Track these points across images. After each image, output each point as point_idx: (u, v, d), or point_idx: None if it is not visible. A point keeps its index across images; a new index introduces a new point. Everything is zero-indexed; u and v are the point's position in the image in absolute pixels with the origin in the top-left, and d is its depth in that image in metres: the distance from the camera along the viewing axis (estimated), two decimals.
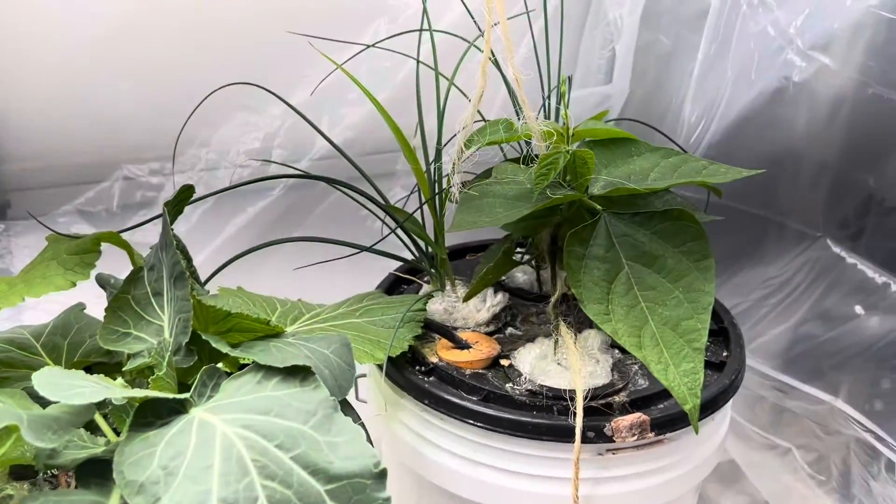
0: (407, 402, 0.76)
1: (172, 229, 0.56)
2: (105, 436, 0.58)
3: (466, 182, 0.79)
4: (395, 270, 0.94)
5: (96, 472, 0.49)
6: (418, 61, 0.88)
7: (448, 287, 0.87)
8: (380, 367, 0.75)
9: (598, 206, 0.66)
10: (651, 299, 0.61)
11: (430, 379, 0.76)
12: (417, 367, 0.78)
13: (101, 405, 0.55)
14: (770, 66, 0.90)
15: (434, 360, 0.78)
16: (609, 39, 1.10)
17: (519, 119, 0.78)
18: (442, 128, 0.84)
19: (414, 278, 0.94)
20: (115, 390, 0.47)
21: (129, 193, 0.95)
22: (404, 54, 0.93)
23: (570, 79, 0.66)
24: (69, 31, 0.90)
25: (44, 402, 0.52)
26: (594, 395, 0.69)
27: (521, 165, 0.72)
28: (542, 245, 0.74)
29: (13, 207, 0.91)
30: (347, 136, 1.01)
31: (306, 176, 0.78)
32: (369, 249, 0.83)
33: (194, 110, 0.86)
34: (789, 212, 0.99)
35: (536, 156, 0.71)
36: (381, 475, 0.50)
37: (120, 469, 0.46)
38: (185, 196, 0.59)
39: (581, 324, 0.79)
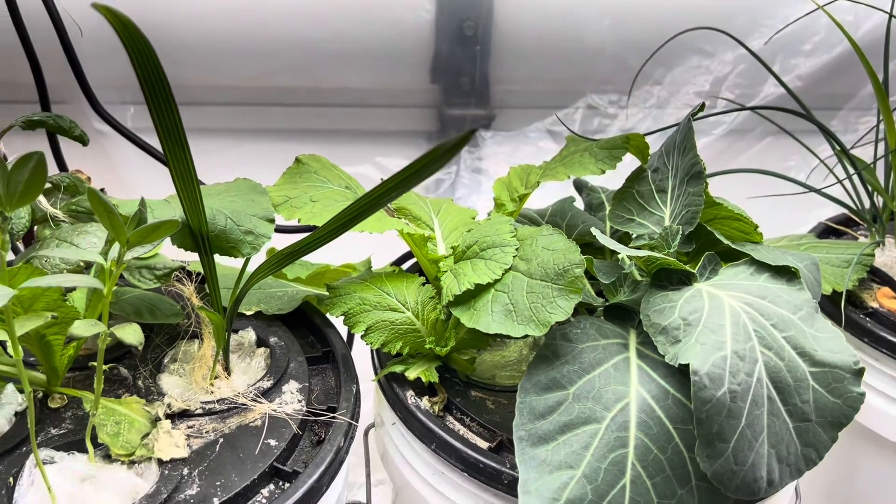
0: None
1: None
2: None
3: None
4: (826, 220, 0.97)
5: (618, 315, 0.62)
6: (891, 15, 0.88)
7: (891, 242, 0.87)
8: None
9: None
10: None
11: (869, 321, 0.78)
12: (854, 309, 0.81)
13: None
14: None
15: (874, 305, 0.80)
16: None
17: None
18: None
19: (847, 229, 0.95)
20: (641, 252, 0.60)
21: (589, 120, 1.10)
22: (876, 8, 0.92)
23: None
24: None
25: None
26: None
27: None
28: None
29: (496, 120, 1.11)
30: (796, 86, 1.04)
31: (764, 107, 0.84)
32: (818, 191, 0.86)
33: (657, 50, 0.96)
34: None
35: None
36: (859, 373, 0.56)
37: (646, 313, 0.58)
38: (696, 112, 0.69)
39: None
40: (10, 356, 0.60)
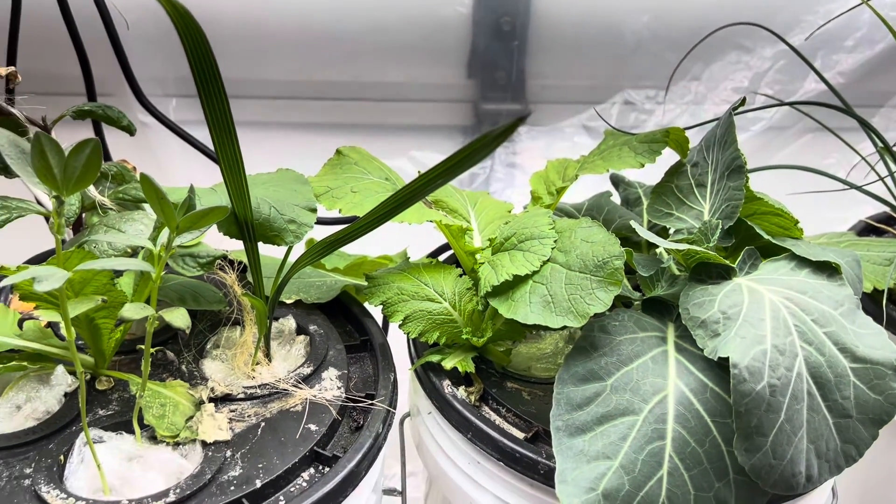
0: None
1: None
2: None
3: None
4: (867, 218, 0.96)
5: (656, 308, 0.62)
6: None
7: None
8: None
9: None
10: None
11: None
12: (893, 307, 0.80)
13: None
14: None
15: None
16: None
17: None
18: None
19: (888, 228, 0.94)
20: (682, 246, 0.60)
21: (625, 115, 1.10)
22: None
23: None
24: None
25: None
26: None
27: None
28: None
29: (532, 115, 1.11)
30: (838, 82, 1.03)
31: (804, 102, 0.83)
32: (859, 188, 0.85)
33: (695, 45, 0.96)
34: None
35: None
36: None
37: (685, 307, 0.58)
38: (737, 106, 0.69)
39: None
40: (61, 338, 0.62)
